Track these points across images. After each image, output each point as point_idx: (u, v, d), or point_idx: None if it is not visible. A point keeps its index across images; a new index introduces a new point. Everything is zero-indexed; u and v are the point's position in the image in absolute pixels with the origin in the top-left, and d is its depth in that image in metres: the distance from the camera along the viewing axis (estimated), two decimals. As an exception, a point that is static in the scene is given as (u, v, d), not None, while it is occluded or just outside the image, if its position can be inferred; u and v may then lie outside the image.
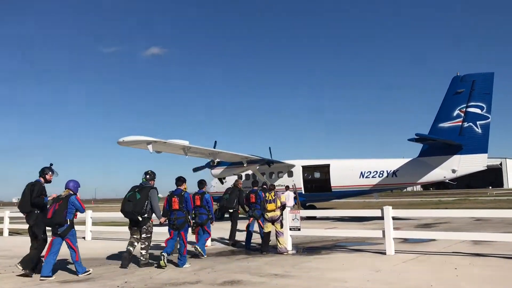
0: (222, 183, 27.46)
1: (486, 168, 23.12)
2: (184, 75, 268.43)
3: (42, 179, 10.36)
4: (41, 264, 9.64)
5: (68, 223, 9.65)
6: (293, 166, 25.93)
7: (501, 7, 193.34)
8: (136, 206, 10.44)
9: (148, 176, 11.09)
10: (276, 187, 18.52)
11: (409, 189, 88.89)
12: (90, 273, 9.61)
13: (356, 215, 14.81)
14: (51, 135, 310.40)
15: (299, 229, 13.00)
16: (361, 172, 24.16)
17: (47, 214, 9.73)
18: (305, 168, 25.95)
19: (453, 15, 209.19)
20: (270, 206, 12.88)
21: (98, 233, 18.61)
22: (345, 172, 24.59)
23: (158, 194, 10.92)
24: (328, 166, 25.32)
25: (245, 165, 23.70)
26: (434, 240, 13.71)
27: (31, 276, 9.48)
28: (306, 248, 13.38)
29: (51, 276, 9.27)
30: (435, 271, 8.86)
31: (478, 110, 21.91)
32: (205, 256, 11.85)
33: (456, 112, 22.25)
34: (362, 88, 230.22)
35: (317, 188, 24.82)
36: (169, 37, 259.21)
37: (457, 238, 12.93)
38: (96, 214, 18.28)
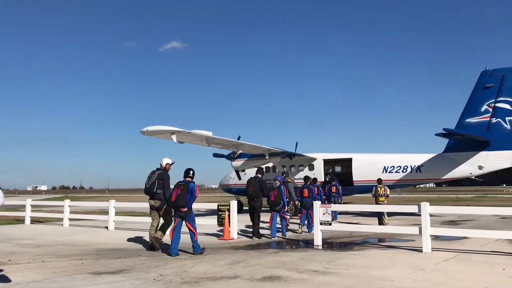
0: (240, 178, 27.14)
1: (513, 165, 22.54)
2: (202, 69, 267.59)
3: (260, 175, 14.97)
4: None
5: (283, 203, 14.80)
6: (314, 159, 25.49)
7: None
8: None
9: (285, 174, 18.40)
10: (297, 180, 18.37)
11: (421, 185, 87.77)
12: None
13: (391, 211, 14.45)
14: (67, 127, 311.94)
15: (330, 224, 12.68)
16: (384, 167, 23.68)
17: (269, 197, 14.77)
18: (326, 162, 25.50)
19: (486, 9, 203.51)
20: (381, 198, 17.94)
21: (120, 223, 18.46)
22: (367, 166, 24.12)
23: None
24: (350, 160, 24.86)
25: (267, 158, 23.33)
26: (466, 238, 13.33)
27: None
28: (337, 244, 13.06)
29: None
30: (482, 271, 8.46)
31: (507, 106, 21.30)
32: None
33: (484, 107, 21.67)
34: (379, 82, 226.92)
35: (339, 183, 24.38)
36: (189, 31, 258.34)
37: (491, 236, 12.50)
38: (117, 204, 18.10)
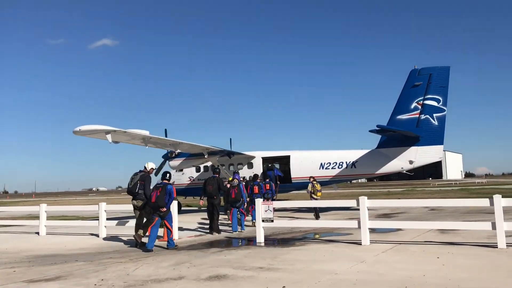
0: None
1: (440, 159, 23.80)
2: (133, 68, 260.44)
3: (217, 175, 15.89)
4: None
5: (242, 200, 16.10)
6: (253, 157, 25.59)
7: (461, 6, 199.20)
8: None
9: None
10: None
11: (353, 180, 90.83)
12: None
13: (329, 206, 14.71)
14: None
15: (272, 221, 12.72)
16: (321, 163, 24.19)
17: (230, 195, 15.88)
18: (265, 160, 25.70)
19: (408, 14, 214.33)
20: (319, 194, 19.57)
21: (52, 228, 17.56)
22: (305, 163, 24.53)
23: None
24: (288, 157, 25.19)
25: (206, 156, 23.11)
26: (400, 229, 13.85)
27: None
28: (279, 240, 13.16)
29: None
30: (419, 260, 8.83)
31: (434, 103, 22.46)
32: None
33: (414, 104, 22.70)
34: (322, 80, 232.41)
35: (277, 179, 24.63)
36: (120, 28, 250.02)
37: (423, 227, 13.13)
38: (48, 208, 17.20)
